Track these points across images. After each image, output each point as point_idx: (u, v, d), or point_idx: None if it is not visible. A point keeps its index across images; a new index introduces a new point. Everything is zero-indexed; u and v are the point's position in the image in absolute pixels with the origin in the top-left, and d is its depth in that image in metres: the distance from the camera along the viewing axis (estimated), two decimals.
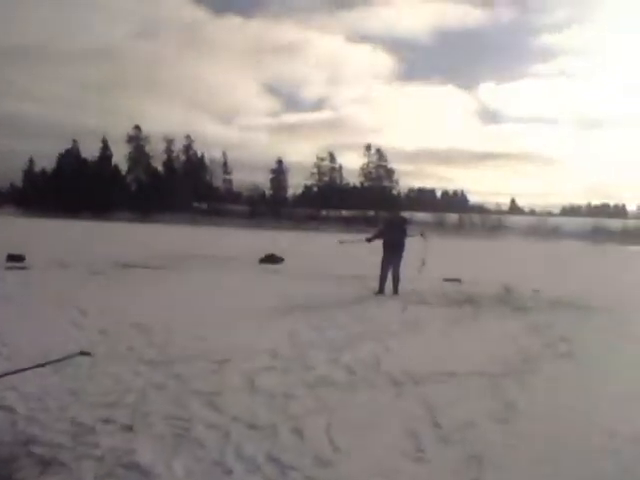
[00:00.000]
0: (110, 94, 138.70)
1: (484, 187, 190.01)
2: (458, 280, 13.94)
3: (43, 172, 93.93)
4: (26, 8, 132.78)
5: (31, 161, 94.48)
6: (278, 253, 18.52)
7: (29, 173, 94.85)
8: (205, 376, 5.00)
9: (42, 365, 5.09)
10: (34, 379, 4.61)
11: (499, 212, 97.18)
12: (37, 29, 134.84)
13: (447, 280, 13.82)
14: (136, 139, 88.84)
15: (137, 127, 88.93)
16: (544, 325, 8.07)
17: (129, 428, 3.78)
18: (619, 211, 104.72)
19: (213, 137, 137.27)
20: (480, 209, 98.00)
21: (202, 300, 9.30)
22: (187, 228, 54.93)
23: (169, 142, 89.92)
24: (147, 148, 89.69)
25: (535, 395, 4.81)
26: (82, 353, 5.56)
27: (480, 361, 5.82)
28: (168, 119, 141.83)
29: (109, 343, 6.07)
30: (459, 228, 77.65)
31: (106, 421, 3.87)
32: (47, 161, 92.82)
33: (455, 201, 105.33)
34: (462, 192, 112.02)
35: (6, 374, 4.70)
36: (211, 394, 4.50)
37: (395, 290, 10.94)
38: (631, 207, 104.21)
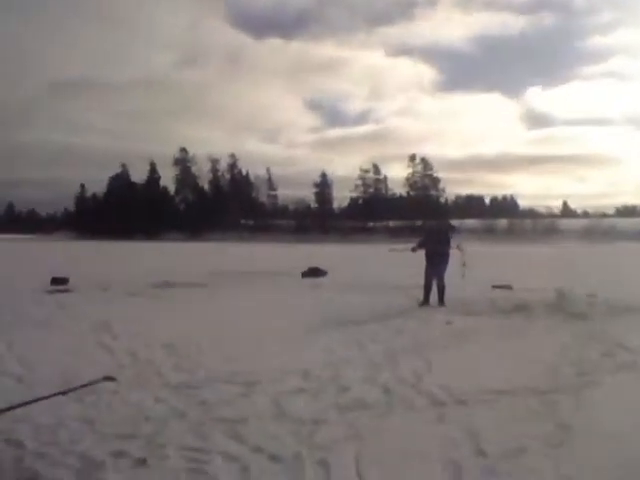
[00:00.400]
0: (157, 121, 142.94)
1: (534, 191, 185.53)
2: (508, 287, 13.31)
3: (94, 196, 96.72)
4: (72, 42, 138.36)
5: (82, 186, 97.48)
6: (323, 266, 18.22)
7: (81, 198, 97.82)
8: (230, 401, 4.68)
9: (63, 393, 4.91)
10: (51, 408, 4.38)
11: (551, 215, 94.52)
12: (85, 62, 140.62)
13: (496, 287, 13.21)
14: (182, 161, 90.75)
15: (183, 149, 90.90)
16: (601, 332, 7.47)
17: (142, 462, 3.49)
18: None
19: (258, 155, 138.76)
20: (531, 213, 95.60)
21: (236, 318, 9.02)
22: (234, 245, 55.35)
23: (214, 162, 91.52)
24: (194, 169, 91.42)
25: (594, 413, 4.30)
26: (106, 378, 5.36)
27: (531, 376, 5.31)
28: (213, 141, 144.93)
29: (136, 367, 5.82)
30: (509, 233, 75.71)
31: (118, 454, 3.58)
32: (98, 186, 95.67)
33: (505, 206, 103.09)
34: (511, 197, 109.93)
35: (24, 403, 4.51)
36: (234, 421, 4.17)
37: (441, 300, 10.45)
38: None
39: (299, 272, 17.22)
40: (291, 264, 21.22)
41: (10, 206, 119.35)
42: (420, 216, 75.73)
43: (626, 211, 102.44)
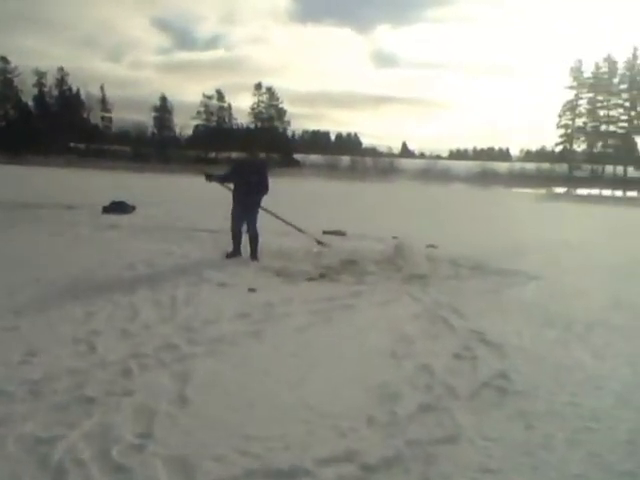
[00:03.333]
0: None
1: (377, 131, 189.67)
2: (341, 233, 11.42)
3: None
4: None
5: None
6: (137, 199, 15.21)
7: None
8: None
9: None
10: None
11: (391, 155, 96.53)
12: None
13: (328, 233, 11.24)
14: (2, 72, 78.85)
15: (3, 58, 78.78)
16: (448, 308, 5.63)
17: None
18: (503, 155, 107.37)
19: (96, 74, 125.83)
20: (373, 152, 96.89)
21: None
22: (55, 170, 49.08)
23: (40, 75, 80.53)
24: (16, 81, 79.93)
25: None
26: None
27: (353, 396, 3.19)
28: (46, 55, 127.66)
29: None
30: (351, 170, 75.79)
31: None
32: None
33: (349, 144, 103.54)
34: (355, 135, 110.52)
35: None
36: None
37: (253, 253, 8.18)
38: (514, 151, 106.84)
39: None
40: (105, 196, 17.76)
41: None
42: (264, 149, 73.22)
43: (459, 154, 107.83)
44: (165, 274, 6.83)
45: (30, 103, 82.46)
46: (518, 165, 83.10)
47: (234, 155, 78.84)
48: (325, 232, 11.27)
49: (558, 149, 78.46)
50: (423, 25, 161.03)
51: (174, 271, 7.02)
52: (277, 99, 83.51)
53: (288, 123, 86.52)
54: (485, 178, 71.47)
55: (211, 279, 6.63)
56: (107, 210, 13.96)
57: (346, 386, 3.67)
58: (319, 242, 9.60)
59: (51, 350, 4.07)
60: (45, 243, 8.86)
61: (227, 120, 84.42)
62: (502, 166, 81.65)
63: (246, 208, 8.11)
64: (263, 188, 8.21)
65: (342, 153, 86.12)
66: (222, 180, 8.49)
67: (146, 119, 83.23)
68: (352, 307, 5.61)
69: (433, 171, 76.70)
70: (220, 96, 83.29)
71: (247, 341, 4.48)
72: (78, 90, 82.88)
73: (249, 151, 8.97)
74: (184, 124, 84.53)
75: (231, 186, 8.42)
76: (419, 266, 7.62)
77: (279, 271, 7.28)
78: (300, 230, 9.77)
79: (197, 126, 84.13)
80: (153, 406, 3.25)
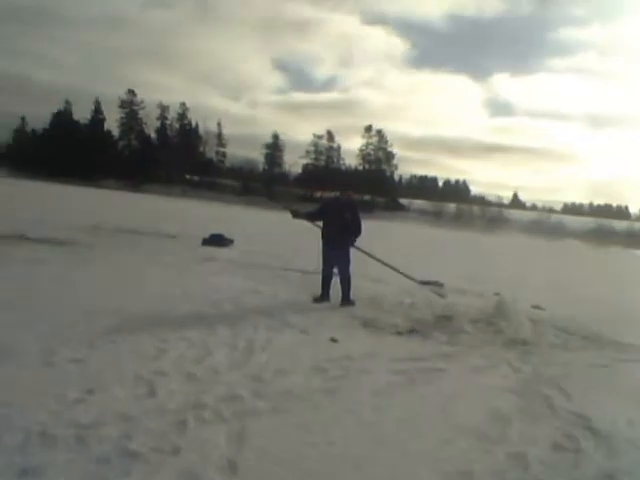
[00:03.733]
0: (113, 60, 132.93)
1: (488, 179, 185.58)
2: (439, 284, 10.77)
3: (33, 132, 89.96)
4: None
5: (23, 120, 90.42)
6: (238, 233, 15.39)
7: (20, 132, 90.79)
8: None
9: None
10: None
11: (500, 205, 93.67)
12: None
13: (425, 283, 10.64)
14: (129, 104, 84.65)
15: (131, 91, 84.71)
16: (552, 382, 4.92)
17: None
18: (622, 212, 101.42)
19: (215, 110, 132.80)
20: (481, 201, 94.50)
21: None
22: (170, 200, 51.56)
23: (163, 109, 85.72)
24: (141, 114, 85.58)
25: None
26: None
27: None
28: (169, 89, 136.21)
29: None
30: (457, 219, 74.17)
31: None
32: (41, 122, 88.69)
33: (456, 191, 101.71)
34: (464, 182, 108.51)
35: None
36: None
37: (344, 298, 7.78)
38: (634, 209, 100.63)
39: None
40: (209, 227, 18.11)
41: None
42: (370, 191, 73.17)
43: (574, 209, 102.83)
44: (248, 315, 6.56)
45: (152, 135, 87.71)
46: (638, 225, 78.04)
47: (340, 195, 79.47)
48: (422, 282, 10.69)
49: None
50: (542, 75, 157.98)
51: (258, 312, 6.73)
52: (386, 142, 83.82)
53: (396, 166, 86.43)
54: (601, 236, 67.60)
55: (294, 324, 6.27)
56: (206, 242, 14.16)
57: (420, 470, 3.14)
58: (427, 282, 8.97)
59: (110, 389, 3.84)
60: (135, 271, 8.92)
61: (335, 160, 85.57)
62: (620, 224, 77.11)
63: (336, 248, 7.77)
64: (355, 228, 7.84)
65: (449, 200, 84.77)
66: (309, 217, 8.20)
67: (258, 155, 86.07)
68: (441, 371, 5.03)
69: (545, 224, 73.67)
70: (330, 136, 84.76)
71: (317, 400, 4.05)
72: (197, 125, 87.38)
73: (341, 190, 8.64)
74: (293, 162, 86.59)
75: (320, 224, 8.12)
76: (522, 330, 6.86)
77: (366, 321, 6.81)
78: (409, 277, 8.95)
79: (306, 165, 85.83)
80: (198, 471, 2.89)
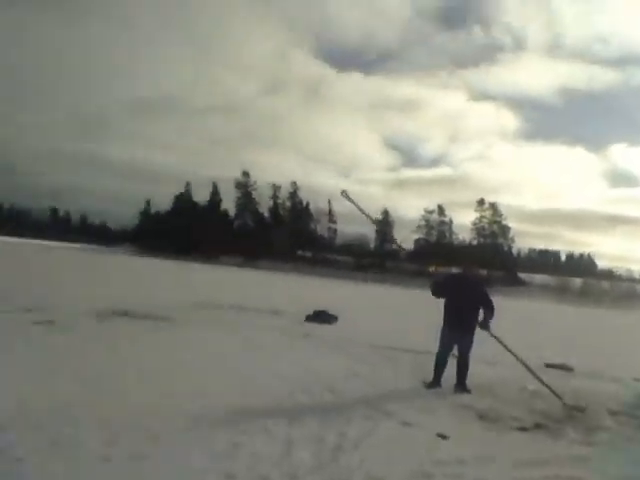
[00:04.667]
0: (230, 145, 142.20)
1: (615, 252, 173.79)
2: (567, 368, 9.45)
3: (157, 214, 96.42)
4: (159, 60, 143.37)
5: (148, 203, 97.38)
6: (343, 309, 14.79)
7: (145, 214, 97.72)
8: None
9: None
10: None
11: (631, 279, 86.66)
12: (169, 82, 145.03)
13: (550, 366, 9.38)
14: (244, 185, 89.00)
15: (246, 173, 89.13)
16: None
17: None
18: None
19: (325, 188, 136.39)
20: (609, 275, 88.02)
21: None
22: (283, 276, 52.20)
23: (276, 189, 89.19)
24: (254, 194, 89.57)
25: None
26: None
27: None
28: (283, 169, 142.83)
29: None
30: (584, 294, 69.21)
31: None
32: (163, 204, 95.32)
33: (581, 265, 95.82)
34: (589, 255, 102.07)
35: None
36: None
37: (460, 384, 6.81)
38: None
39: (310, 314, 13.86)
40: (311, 303, 17.66)
41: (83, 217, 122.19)
42: (486, 265, 70.48)
43: None
44: (342, 402, 5.77)
45: (266, 214, 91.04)
46: None
47: (454, 271, 77.27)
48: (548, 365, 9.44)
49: None
50: None
51: (354, 399, 5.93)
52: (500, 215, 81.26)
53: (512, 240, 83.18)
54: None
55: (394, 414, 5.39)
56: (310, 319, 13.64)
57: None
58: (567, 405, 6.40)
59: None
60: (225, 350, 8.38)
61: (448, 235, 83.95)
62: None
63: (459, 330, 6.87)
64: (489, 310, 6.91)
65: (574, 274, 79.83)
66: (437, 292, 7.25)
67: (368, 232, 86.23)
68: None
69: None
70: (441, 211, 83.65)
71: None
72: (308, 203, 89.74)
73: (464, 265, 7.72)
74: (404, 237, 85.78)
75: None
76: None
77: (482, 413, 5.78)
78: (539, 379, 6.85)
79: (418, 240, 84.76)
80: None
